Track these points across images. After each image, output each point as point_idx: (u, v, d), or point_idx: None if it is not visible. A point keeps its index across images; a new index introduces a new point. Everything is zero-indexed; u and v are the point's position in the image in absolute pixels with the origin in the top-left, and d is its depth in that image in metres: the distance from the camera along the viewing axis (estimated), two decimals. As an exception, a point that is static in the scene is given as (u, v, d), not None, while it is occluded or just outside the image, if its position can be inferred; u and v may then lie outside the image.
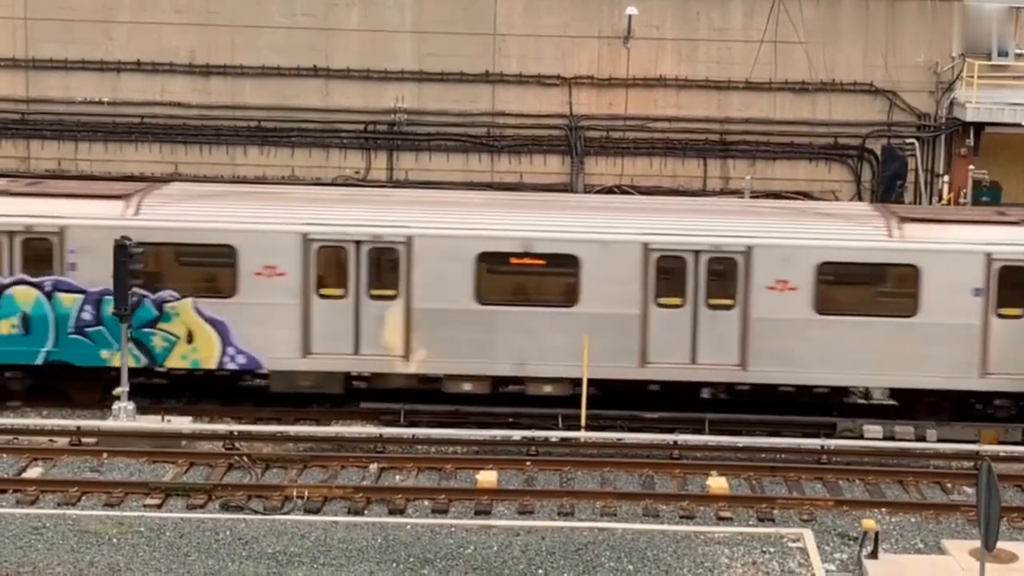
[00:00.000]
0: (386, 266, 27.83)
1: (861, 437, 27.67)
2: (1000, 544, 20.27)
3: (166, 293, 27.81)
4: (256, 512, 23.62)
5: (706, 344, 27.72)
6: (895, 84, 38.81)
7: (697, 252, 27.65)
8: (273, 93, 38.79)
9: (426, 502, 24.22)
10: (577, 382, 27.77)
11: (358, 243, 27.66)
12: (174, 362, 28.12)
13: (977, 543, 19.81)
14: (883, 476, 25.85)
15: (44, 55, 38.73)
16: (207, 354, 27.96)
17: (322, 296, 27.78)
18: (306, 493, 24.24)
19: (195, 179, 37.16)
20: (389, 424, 28.05)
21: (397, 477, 25.63)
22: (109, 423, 27.14)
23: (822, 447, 26.72)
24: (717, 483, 25.06)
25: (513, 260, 27.79)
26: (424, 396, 28.53)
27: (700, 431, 27.71)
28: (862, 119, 38.94)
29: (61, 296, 27.79)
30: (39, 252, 27.77)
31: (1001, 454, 26.64)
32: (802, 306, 27.58)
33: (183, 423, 27.56)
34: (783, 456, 26.79)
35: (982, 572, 19.60)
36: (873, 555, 21.92)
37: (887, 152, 38.67)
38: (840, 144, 39.03)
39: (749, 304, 27.62)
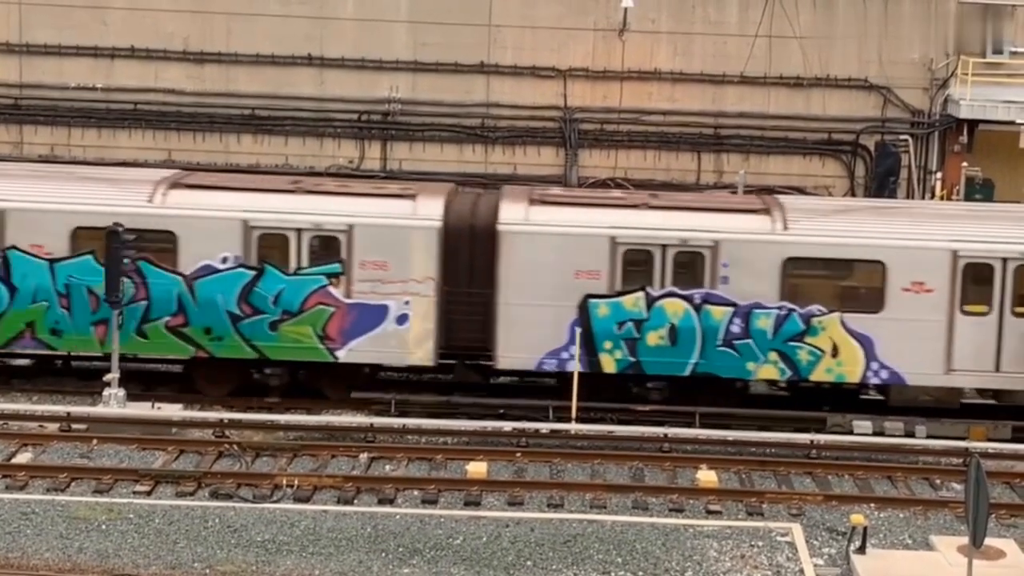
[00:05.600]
0: None
1: (851, 432, 27.72)
2: (988, 540, 20.30)
3: (813, 308, 27.69)
4: (245, 500, 23.61)
5: None
6: (889, 80, 38.83)
7: None
8: (267, 81, 38.75)
9: (416, 492, 24.21)
10: None
11: (1004, 260, 27.56)
12: (818, 375, 28.02)
13: (965, 539, 19.85)
14: (872, 471, 25.88)
15: (38, 40, 38.65)
16: (852, 368, 27.84)
17: (965, 313, 27.67)
18: (296, 482, 24.23)
19: (188, 166, 37.10)
20: (380, 414, 28.06)
21: (387, 467, 25.63)
22: (99, 409, 27.12)
23: (812, 442, 26.74)
24: (707, 476, 25.07)
25: None
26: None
27: (691, 424, 27.74)
28: (856, 115, 38.97)
29: (710, 309, 27.71)
30: (691, 266, 27.72)
31: (990, 451, 26.69)
32: None
33: (173, 411, 27.55)
34: (773, 450, 26.82)
35: (970, 568, 19.64)
36: (861, 550, 21.96)
37: (881, 148, 38.71)
38: (834, 139, 39.06)
39: None
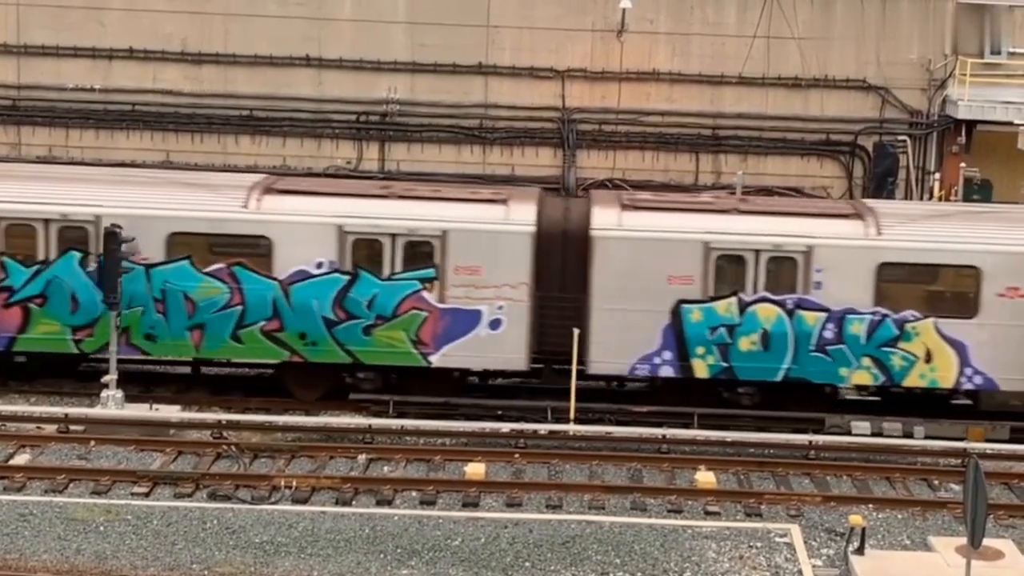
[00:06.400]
0: None
1: (849, 433, 27.72)
2: (986, 541, 20.30)
3: (907, 313, 27.66)
4: (243, 501, 23.60)
5: None
6: (888, 81, 38.86)
7: None
8: (265, 82, 38.75)
9: (414, 493, 24.21)
10: None
11: None
12: (912, 381, 28.01)
13: (963, 540, 19.86)
14: (870, 472, 25.88)
15: (36, 41, 38.65)
16: (945, 374, 27.84)
17: None
18: (294, 483, 24.22)
19: (186, 168, 37.11)
20: (378, 415, 28.06)
21: (385, 468, 25.62)
22: (97, 411, 27.12)
23: (810, 443, 26.74)
24: (705, 477, 25.07)
25: None
26: None
27: (689, 425, 27.74)
28: (854, 115, 38.98)
29: (803, 314, 27.71)
30: (784, 271, 27.71)
31: (988, 451, 26.70)
32: None
33: (171, 412, 27.54)
34: (771, 451, 26.81)
35: (968, 569, 19.64)
36: (860, 551, 21.96)
37: (879, 149, 38.72)
38: (832, 140, 39.07)
39: None
